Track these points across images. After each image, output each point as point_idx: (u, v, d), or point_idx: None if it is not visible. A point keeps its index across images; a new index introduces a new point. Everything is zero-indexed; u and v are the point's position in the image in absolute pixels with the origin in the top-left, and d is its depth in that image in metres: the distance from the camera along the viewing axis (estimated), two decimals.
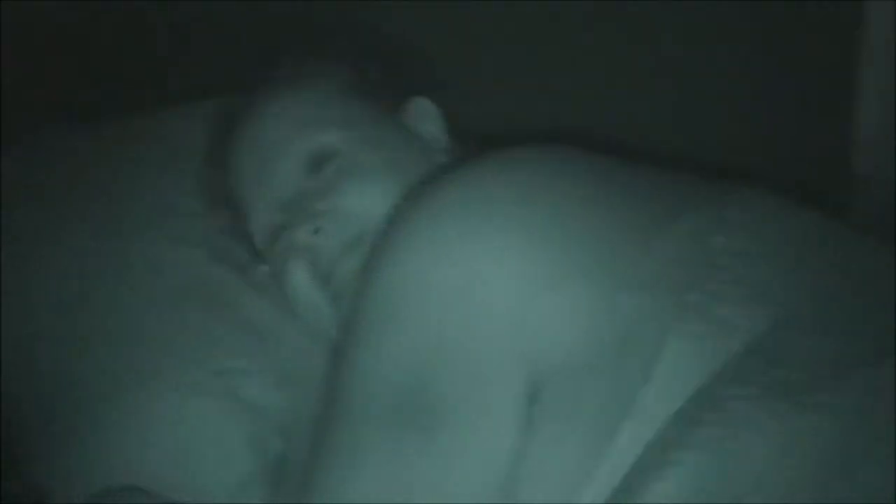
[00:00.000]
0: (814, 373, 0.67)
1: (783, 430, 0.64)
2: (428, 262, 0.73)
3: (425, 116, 1.04)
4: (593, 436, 0.68)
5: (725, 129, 1.22)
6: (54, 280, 1.04)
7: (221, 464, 0.94)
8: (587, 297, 0.71)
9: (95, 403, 0.96)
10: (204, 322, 1.01)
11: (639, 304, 0.70)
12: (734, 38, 1.18)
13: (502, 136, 0.89)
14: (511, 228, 0.74)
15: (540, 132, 0.88)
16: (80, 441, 0.95)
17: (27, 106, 1.24)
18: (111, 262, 1.04)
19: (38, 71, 1.28)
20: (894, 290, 0.74)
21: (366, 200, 0.92)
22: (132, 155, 1.15)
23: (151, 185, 1.11)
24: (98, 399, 0.96)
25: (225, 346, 1.00)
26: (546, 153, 0.81)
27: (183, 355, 0.98)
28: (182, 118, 1.19)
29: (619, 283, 0.71)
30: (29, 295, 1.03)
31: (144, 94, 1.27)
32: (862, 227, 1.08)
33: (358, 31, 1.12)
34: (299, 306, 0.97)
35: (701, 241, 0.73)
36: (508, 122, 1.15)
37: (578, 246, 0.73)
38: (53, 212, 1.09)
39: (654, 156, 0.88)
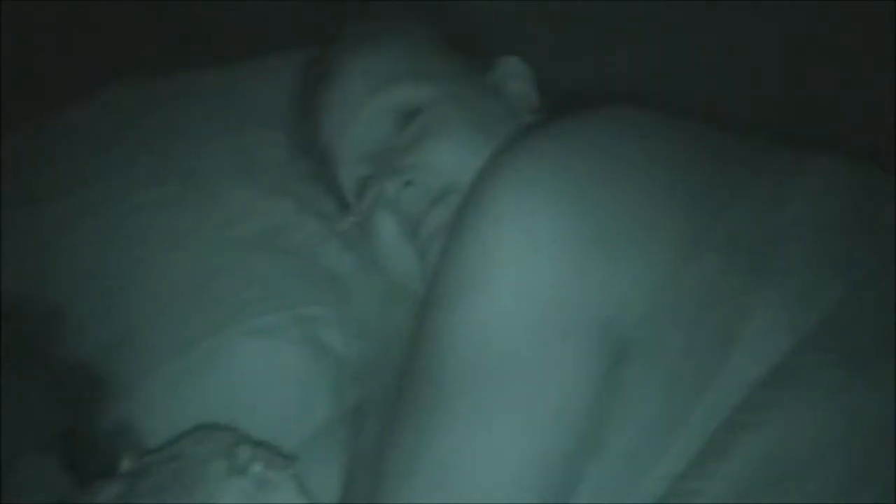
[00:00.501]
0: (885, 342, 0.67)
1: (854, 398, 0.65)
2: (511, 224, 0.74)
3: (515, 75, 1.04)
4: (678, 400, 0.68)
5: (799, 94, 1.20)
6: (142, 224, 1.06)
7: (302, 407, 0.96)
8: (663, 256, 0.71)
9: (180, 344, 0.99)
10: (288, 269, 1.03)
11: (716, 266, 0.70)
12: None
13: (583, 96, 0.89)
14: (594, 190, 0.74)
15: (618, 93, 0.88)
16: (166, 380, 0.98)
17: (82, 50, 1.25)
18: (198, 209, 1.07)
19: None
20: None
21: (453, 156, 0.92)
22: (219, 104, 1.16)
23: (238, 134, 1.13)
24: (183, 340, 0.99)
25: (308, 293, 1.02)
26: (628, 115, 0.81)
27: (267, 300, 1.00)
28: (269, 70, 1.20)
29: (696, 244, 0.71)
30: (117, 237, 1.05)
31: (227, 47, 1.27)
32: None
33: None
34: (385, 258, 0.98)
35: (777, 207, 0.73)
36: (586, 82, 1.15)
37: (657, 206, 0.73)
38: (140, 158, 1.11)
39: (729, 120, 0.88)
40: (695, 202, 0.74)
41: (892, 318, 0.68)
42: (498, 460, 0.70)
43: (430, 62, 1.01)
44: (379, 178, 0.95)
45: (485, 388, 0.70)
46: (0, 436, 0.86)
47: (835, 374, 0.66)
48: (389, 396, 0.79)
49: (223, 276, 1.02)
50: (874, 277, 0.71)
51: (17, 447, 0.87)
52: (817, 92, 1.17)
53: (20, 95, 1.18)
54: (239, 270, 1.02)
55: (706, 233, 0.72)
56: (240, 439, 0.87)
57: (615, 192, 0.74)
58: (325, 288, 1.03)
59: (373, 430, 0.87)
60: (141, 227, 1.05)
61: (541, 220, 0.73)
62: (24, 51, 1.22)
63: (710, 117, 0.85)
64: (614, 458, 0.70)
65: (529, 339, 0.71)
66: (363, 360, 0.98)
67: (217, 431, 0.88)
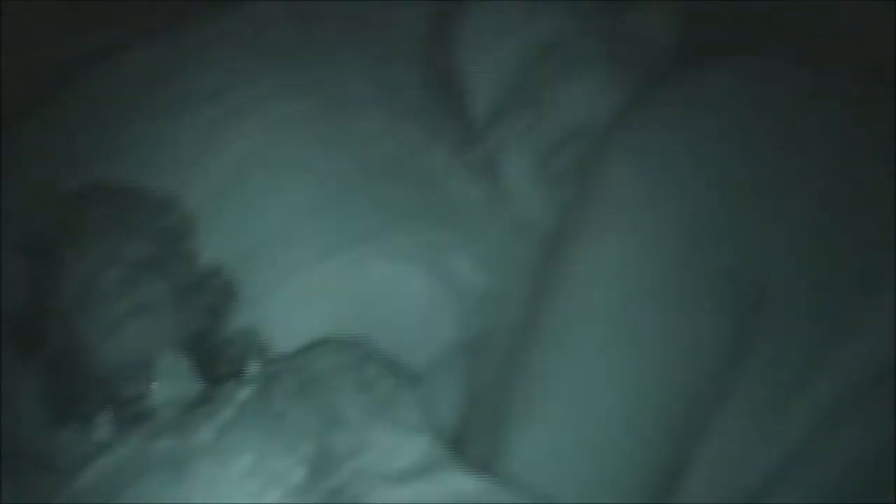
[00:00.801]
0: None
1: None
2: (650, 167, 0.75)
3: (653, 18, 1.02)
4: (814, 348, 0.70)
5: None
6: (278, 139, 1.07)
7: (426, 331, 0.99)
8: (803, 211, 0.73)
9: (311, 259, 1.01)
10: (418, 195, 1.05)
11: (851, 220, 0.72)
12: None
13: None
14: (733, 142, 0.76)
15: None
16: (296, 292, 1.01)
17: None
18: (331, 127, 1.08)
19: None
20: None
21: (589, 94, 0.93)
22: (356, 26, 1.16)
23: (372, 57, 1.13)
24: (314, 255, 1.01)
25: (436, 220, 1.03)
26: (763, 67, 0.82)
27: (396, 223, 1.02)
28: (403, 4, 1.19)
29: (834, 199, 0.73)
30: (253, 149, 1.07)
31: None
32: None
33: None
34: (512, 191, 0.99)
35: None
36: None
37: (795, 163, 0.75)
38: (277, 72, 1.12)
39: None
40: (832, 161, 0.75)
41: None
42: (629, 398, 0.71)
43: None
44: (513, 111, 0.96)
45: (617, 330, 0.72)
46: (139, 332, 0.89)
47: None
48: (514, 327, 0.81)
49: (354, 196, 1.04)
50: None
51: (154, 344, 0.90)
52: None
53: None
54: (370, 192, 1.04)
55: (843, 189, 0.73)
56: (368, 355, 0.89)
57: (755, 144, 0.75)
58: (454, 216, 1.04)
59: (496, 359, 0.89)
60: (276, 141, 1.07)
61: (679, 167, 0.75)
62: None
63: None
64: (745, 407, 0.71)
65: (664, 277, 0.73)
66: (489, 289, 0.99)
67: (347, 345, 0.90)
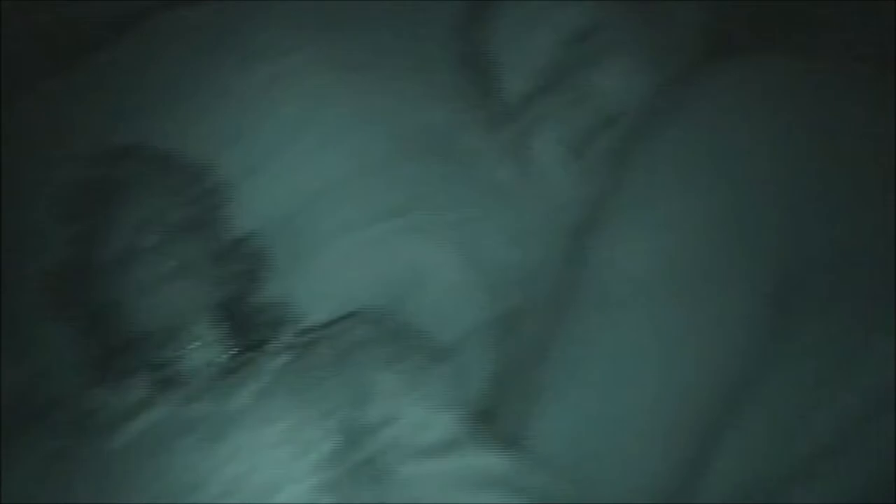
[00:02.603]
0: None
1: None
2: (684, 161, 0.76)
3: (683, 8, 1.02)
4: (849, 334, 0.71)
5: None
6: (303, 112, 1.07)
7: (454, 307, 1.00)
8: (842, 207, 0.74)
9: (341, 229, 1.02)
10: (445, 171, 1.05)
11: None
12: None
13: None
14: (757, 135, 0.76)
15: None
16: (326, 261, 1.02)
17: None
18: (359, 102, 1.08)
19: None
20: None
21: (625, 81, 0.93)
22: (389, 6, 1.15)
23: (409, 31, 1.13)
24: (344, 226, 1.03)
25: (466, 198, 1.04)
26: (805, 66, 0.82)
27: (424, 198, 1.03)
28: None
29: (875, 196, 0.74)
30: (288, 118, 1.08)
31: None
32: None
33: None
34: (544, 173, 0.99)
35: None
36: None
37: (841, 157, 0.75)
38: (311, 43, 1.12)
39: None
40: (857, 150, 0.76)
41: None
42: (666, 374, 0.72)
43: None
44: (545, 95, 0.96)
45: (658, 305, 0.74)
46: (176, 295, 0.90)
47: None
48: (547, 303, 0.82)
49: (384, 171, 1.05)
50: None
51: (190, 307, 0.91)
52: None
53: None
54: (400, 168, 1.05)
55: (869, 176, 0.74)
56: (399, 329, 0.91)
57: (784, 137, 0.76)
58: (485, 193, 1.05)
59: (528, 334, 0.90)
60: (314, 112, 1.08)
61: (713, 155, 0.76)
62: None
63: None
64: (777, 398, 0.72)
65: (705, 269, 0.73)
66: (521, 265, 1.00)
67: (379, 318, 0.92)
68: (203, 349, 0.92)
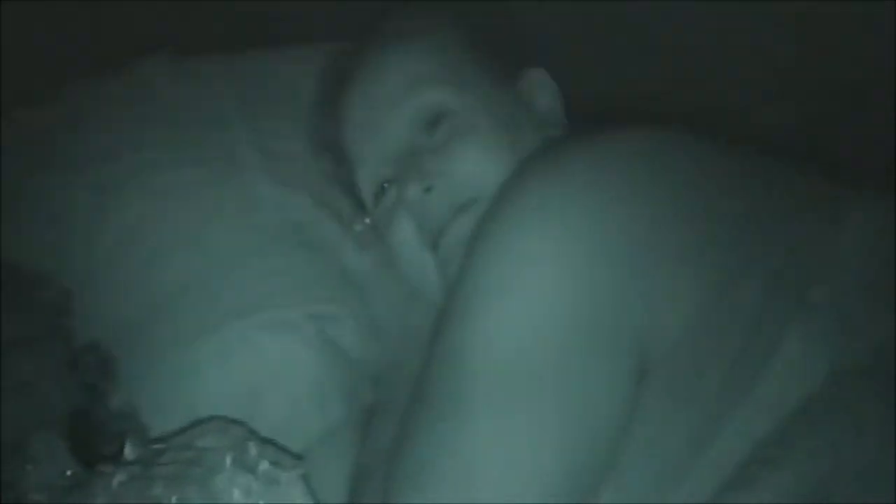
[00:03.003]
0: None
1: None
2: (540, 235, 0.74)
3: (541, 88, 1.04)
4: (701, 424, 0.68)
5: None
6: (163, 208, 1.05)
7: (313, 406, 0.96)
8: (706, 281, 0.71)
9: (195, 332, 0.98)
10: (302, 265, 1.03)
11: (759, 294, 0.70)
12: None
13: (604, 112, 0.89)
14: (630, 206, 0.73)
15: (640, 112, 0.87)
16: (178, 368, 0.97)
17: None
18: (218, 196, 1.06)
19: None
20: None
21: (478, 166, 0.92)
22: (236, 93, 1.15)
23: (255, 125, 1.12)
24: (198, 328, 0.98)
25: (321, 291, 1.01)
26: (669, 134, 0.81)
27: (278, 295, 1.00)
28: (290, 61, 1.20)
29: (742, 271, 0.71)
30: (137, 219, 1.04)
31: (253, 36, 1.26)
32: None
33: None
34: (402, 263, 0.98)
35: (826, 240, 0.73)
36: (608, 99, 1.15)
37: (700, 229, 0.73)
38: (164, 139, 1.10)
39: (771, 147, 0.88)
40: (744, 229, 0.74)
41: None
42: (522, 470, 0.70)
43: (463, 68, 1.00)
44: (401, 181, 0.94)
45: (513, 399, 0.70)
46: (13, 413, 0.86)
47: (879, 414, 0.66)
48: (403, 400, 0.79)
49: (240, 266, 1.01)
50: None
51: (29, 425, 0.87)
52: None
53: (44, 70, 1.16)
54: (257, 262, 1.02)
55: (754, 260, 0.72)
56: (249, 435, 0.87)
57: (654, 211, 0.74)
58: (342, 287, 1.03)
59: (385, 433, 0.87)
60: (161, 211, 1.04)
61: (577, 232, 0.73)
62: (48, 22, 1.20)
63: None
64: (635, 480, 0.70)
65: (562, 352, 0.71)
66: (378, 362, 0.98)
67: (227, 425, 0.88)
68: (44, 467, 0.87)
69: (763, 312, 0.70)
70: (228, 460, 0.84)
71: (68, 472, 0.87)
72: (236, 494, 0.82)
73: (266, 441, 0.87)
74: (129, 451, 0.88)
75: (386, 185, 0.98)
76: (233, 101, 1.15)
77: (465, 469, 0.70)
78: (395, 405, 0.87)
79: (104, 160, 1.07)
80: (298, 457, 0.87)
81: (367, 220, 1.02)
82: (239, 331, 0.98)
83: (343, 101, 1.02)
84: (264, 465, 0.84)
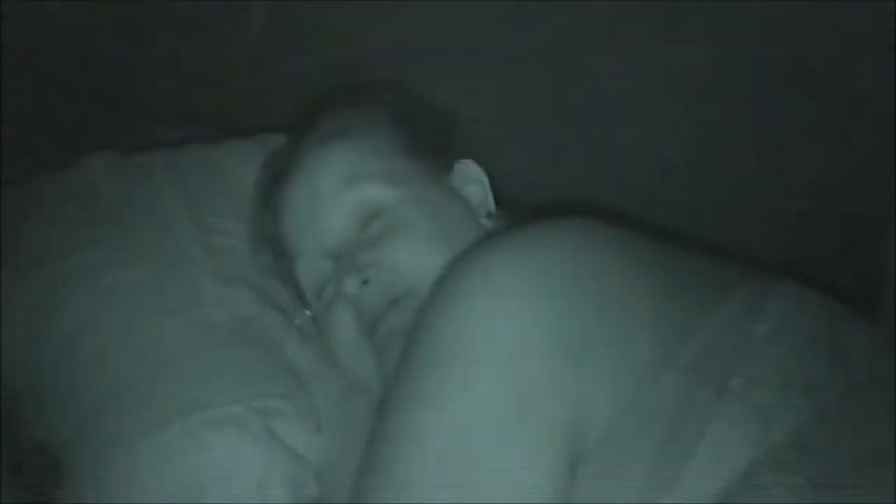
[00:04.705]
0: (852, 467, 0.70)
1: None
2: (473, 329, 0.75)
3: (471, 179, 1.07)
4: None
5: (759, 218, 1.25)
6: (107, 307, 1.06)
7: (258, 500, 0.97)
8: (632, 373, 0.74)
9: (132, 435, 0.99)
10: (245, 360, 1.04)
11: (682, 384, 0.73)
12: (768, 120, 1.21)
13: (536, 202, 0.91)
14: (562, 299, 0.76)
15: (572, 202, 0.90)
16: (124, 467, 0.98)
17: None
18: (154, 296, 1.07)
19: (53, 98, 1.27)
20: None
21: (413, 259, 0.95)
22: (178, 188, 1.17)
23: (197, 220, 1.14)
24: (143, 427, 0.99)
25: (265, 386, 1.03)
26: (595, 226, 0.83)
27: (223, 391, 1.01)
28: (229, 154, 1.22)
29: (665, 362, 0.73)
30: (81, 318, 1.06)
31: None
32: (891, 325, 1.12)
33: (403, 92, 1.15)
34: (342, 355, 1.00)
35: (744, 328, 0.76)
36: (540, 188, 1.19)
37: (625, 322, 0.76)
38: (107, 238, 1.11)
39: (690, 239, 0.91)
40: (664, 320, 0.76)
41: (858, 447, 0.71)
42: None
43: (397, 162, 1.03)
44: (338, 275, 0.97)
45: (449, 491, 0.72)
46: None
47: (799, 500, 0.68)
48: (346, 493, 0.81)
49: (185, 363, 1.02)
50: (843, 403, 0.74)
51: None
52: None
53: None
54: (202, 359, 1.03)
55: (675, 350, 0.74)
56: None
57: (585, 301, 0.76)
58: (286, 381, 1.04)
59: None
60: (106, 310, 1.06)
61: (511, 323, 0.75)
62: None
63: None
64: None
65: (495, 444, 0.72)
66: (321, 456, 0.99)
67: None
68: None
69: (686, 401, 0.72)
70: None
71: None
72: None
73: None
74: None
75: (325, 279, 1.00)
76: (178, 197, 1.16)
77: None
78: (337, 498, 0.88)
79: (49, 260, 1.09)
80: None
81: (308, 313, 1.04)
82: (184, 428, 0.98)
83: (282, 196, 1.04)
84: None
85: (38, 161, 1.20)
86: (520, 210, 1.06)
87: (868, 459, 0.70)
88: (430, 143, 1.08)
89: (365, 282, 0.95)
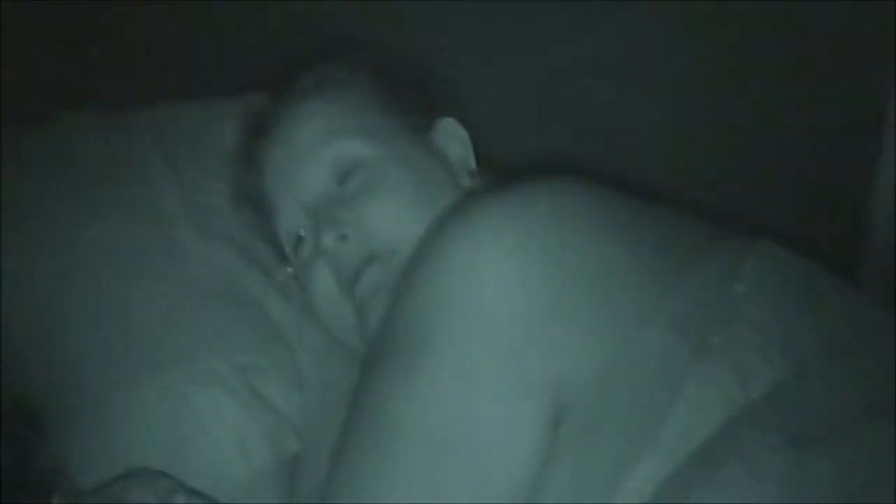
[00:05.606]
0: (829, 425, 0.71)
1: (801, 479, 0.68)
2: (457, 287, 0.76)
3: (452, 137, 1.06)
4: (612, 467, 0.71)
5: (740, 178, 1.26)
6: (88, 261, 1.06)
7: (238, 455, 0.98)
8: (613, 329, 0.74)
9: (113, 390, 0.99)
10: (226, 317, 1.04)
11: (662, 341, 0.73)
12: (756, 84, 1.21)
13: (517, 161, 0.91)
14: (545, 256, 0.76)
15: (553, 161, 0.91)
16: (98, 427, 0.98)
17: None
18: (134, 252, 1.07)
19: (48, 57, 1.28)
20: (894, 348, 0.78)
21: (391, 216, 0.94)
22: (159, 145, 1.17)
23: (178, 177, 1.14)
24: (116, 386, 0.99)
25: (246, 342, 1.03)
26: (576, 186, 0.84)
27: (203, 347, 1.02)
28: (210, 112, 1.22)
29: (645, 319, 0.74)
30: (60, 273, 1.06)
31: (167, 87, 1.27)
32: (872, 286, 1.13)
33: (384, 49, 1.13)
34: (322, 311, 0.99)
35: (723, 287, 0.76)
36: (521, 147, 1.19)
37: (606, 279, 0.76)
38: (87, 193, 1.11)
39: (669, 198, 0.92)
40: (645, 279, 0.77)
41: (836, 404, 0.72)
42: None
43: (376, 119, 1.02)
44: (316, 230, 0.97)
45: (433, 448, 0.73)
46: None
47: (777, 457, 0.69)
48: (327, 450, 0.81)
49: (166, 320, 1.03)
50: (820, 361, 0.74)
51: None
52: None
53: None
54: (182, 315, 1.03)
55: (656, 307, 0.75)
56: (176, 487, 0.88)
57: (568, 259, 0.77)
58: (267, 338, 1.04)
59: (311, 481, 0.89)
60: (86, 265, 1.06)
61: (495, 280, 0.76)
62: None
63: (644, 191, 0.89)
64: None
65: (480, 400, 0.74)
66: (301, 411, 0.99)
67: (154, 477, 0.89)
68: None
69: (666, 358, 0.73)
70: None
71: None
72: None
73: (193, 492, 0.89)
74: None
75: (303, 233, 1.00)
76: (157, 154, 1.16)
77: None
78: (319, 455, 0.88)
79: (27, 215, 1.08)
80: None
81: (290, 270, 1.04)
82: (165, 383, 0.99)
83: (262, 152, 1.04)
84: None
85: (16, 117, 1.19)
86: (501, 169, 1.06)
87: (846, 416, 0.71)
88: (411, 100, 1.07)
89: (343, 237, 0.94)
